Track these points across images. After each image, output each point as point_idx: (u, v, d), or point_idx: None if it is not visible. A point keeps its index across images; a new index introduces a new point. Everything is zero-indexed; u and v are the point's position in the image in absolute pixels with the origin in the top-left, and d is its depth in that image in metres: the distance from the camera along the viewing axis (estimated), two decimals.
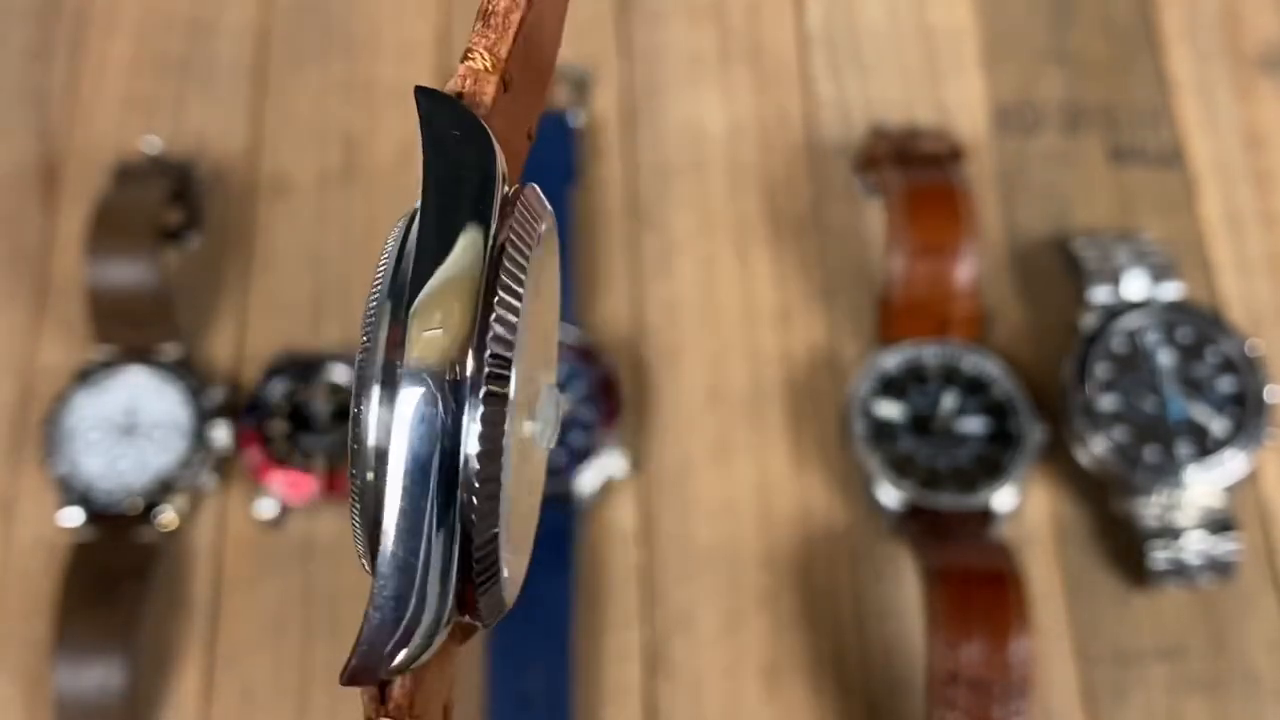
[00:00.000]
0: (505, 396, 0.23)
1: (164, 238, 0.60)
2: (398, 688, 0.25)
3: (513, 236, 0.25)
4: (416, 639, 0.24)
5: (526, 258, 0.25)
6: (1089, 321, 0.59)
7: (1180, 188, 0.66)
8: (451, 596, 0.24)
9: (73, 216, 0.64)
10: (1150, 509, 0.57)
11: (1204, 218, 0.66)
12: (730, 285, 0.64)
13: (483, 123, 0.26)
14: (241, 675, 0.55)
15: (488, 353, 0.23)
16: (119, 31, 0.68)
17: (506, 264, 0.24)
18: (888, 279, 0.59)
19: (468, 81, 0.29)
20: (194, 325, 0.62)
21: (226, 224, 0.64)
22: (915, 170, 0.61)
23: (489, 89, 0.29)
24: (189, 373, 0.59)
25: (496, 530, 0.24)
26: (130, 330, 0.58)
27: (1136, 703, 0.56)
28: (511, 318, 0.24)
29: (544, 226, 0.26)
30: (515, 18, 0.29)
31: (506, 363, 0.23)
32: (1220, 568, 0.57)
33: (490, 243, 0.24)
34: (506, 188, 0.26)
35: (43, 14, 0.69)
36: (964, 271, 0.59)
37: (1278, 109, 0.68)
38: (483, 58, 0.30)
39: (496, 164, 0.26)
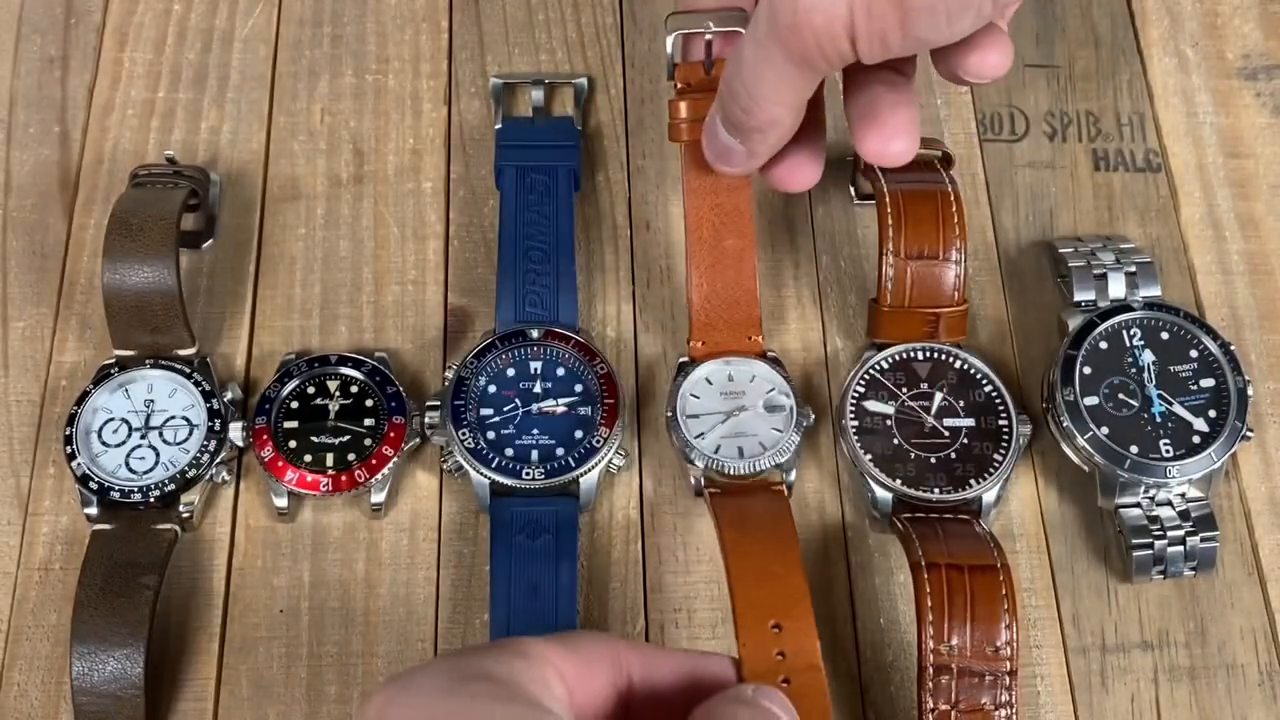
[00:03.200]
0: None
1: (180, 243, 0.61)
2: None
3: None
4: None
5: None
6: (1074, 322, 0.61)
7: (1163, 193, 0.68)
8: None
9: (91, 222, 0.65)
10: (1134, 504, 0.58)
11: (1185, 222, 0.67)
12: None
13: None
14: (254, 664, 0.57)
15: None
16: (136, 41, 0.70)
17: None
18: (879, 281, 0.61)
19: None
20: (209, 327, 0.63)
21: (240, 229, 0.66)
22: (906, 176, 0.62)
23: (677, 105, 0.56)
24: (204, 373, 0.60)
25: None
26: (147, 333, 0.60)
27: (1121, 692, 0.57)
28: None
29: None
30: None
31: None
32: (1202, 560, 0.58)
33: None
34: None
35: (62, 24, 0.70)
36: (953, 274, 0.60)
37: (1257, 117, 0.70)
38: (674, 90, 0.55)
39: None
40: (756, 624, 0.51)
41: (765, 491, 0.57)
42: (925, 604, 0.53)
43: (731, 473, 0.57)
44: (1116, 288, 0.62)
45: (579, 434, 0.59)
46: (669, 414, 0.59)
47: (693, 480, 0.59)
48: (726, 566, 0.53)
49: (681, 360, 0.61)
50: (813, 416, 0.60)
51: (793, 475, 0.59)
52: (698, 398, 0.59)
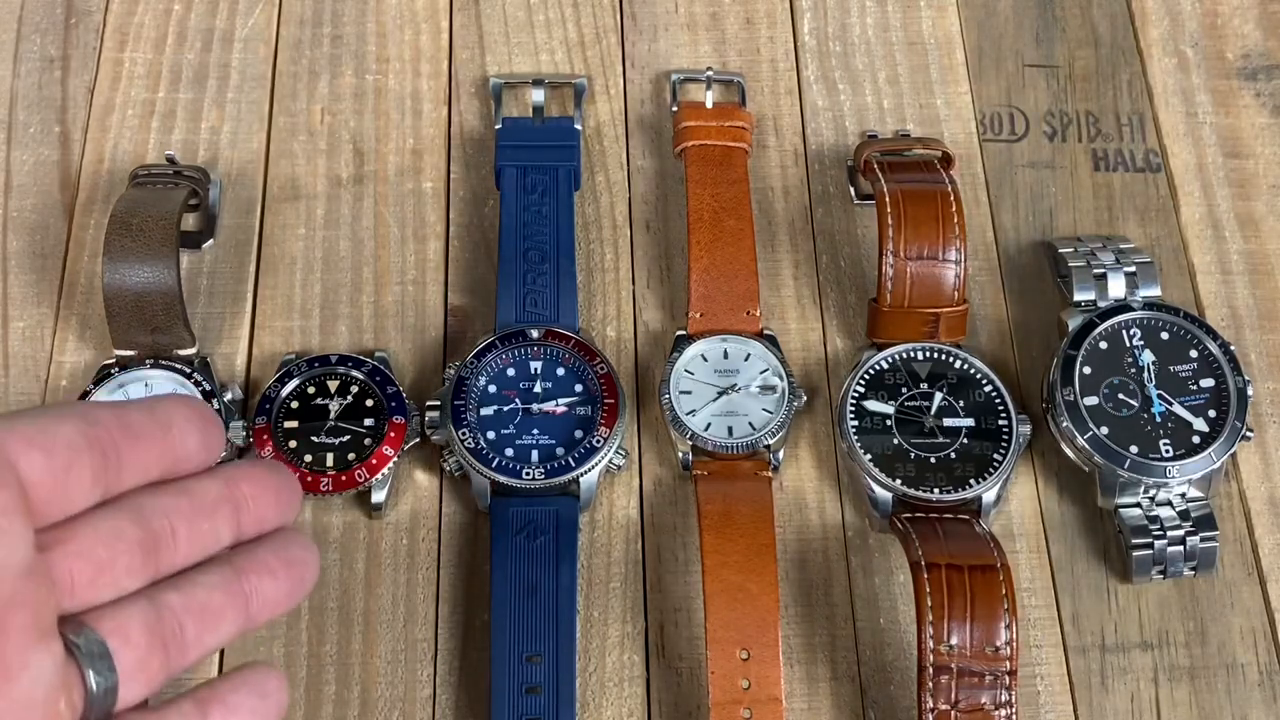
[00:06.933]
0: None
1: (180, 243, 0.61)
2: None
3: None
4: None
5: None
6: (1074, 322, 0.61)
7: (1162, 193, 0.68)
8: None
9: (91, 222, 0.65)
10: (1134, 504, 0.58)
11: (1185, 222, 0.67)
12: None
13: None
14: None
15: None
16: (136, 41, 0.70)
17: None
18: (879, 281, 0.61)
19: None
20: (209, 327, 0.63)
21: (240, 229, 0.66)
22: (906, 176, 0.62)
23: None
24: (204, 373, 0.60)
25: None
26: (147, 333, 0.60)
27: (1121, 692, 0.57)
28: None
29: None
30: None
31: None
32: (1202, 560, 0.58)
33: None
34: None
35: (62, 24, 0.70)
36: (953, 274, 0.60)
37: (1257, 117, 0.70)
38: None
39: None
40: (727, 651, 0.54)
41: (751, 480, 0.58)
42: (925, 604, 0.53)
43: (718, 450, 0.59)
44: (1116, 288, 0.62)
45: (579, 434, 0.59)
46: (663, 389, 0.60)
47: (680, 455, 0.59)
48: (703, 579, 0.55)
49: (679, 334, 0.61)
50: (804, 397, 0.60)
51: (780, 456, 0.60)
52: (691, 374, 0.60)
